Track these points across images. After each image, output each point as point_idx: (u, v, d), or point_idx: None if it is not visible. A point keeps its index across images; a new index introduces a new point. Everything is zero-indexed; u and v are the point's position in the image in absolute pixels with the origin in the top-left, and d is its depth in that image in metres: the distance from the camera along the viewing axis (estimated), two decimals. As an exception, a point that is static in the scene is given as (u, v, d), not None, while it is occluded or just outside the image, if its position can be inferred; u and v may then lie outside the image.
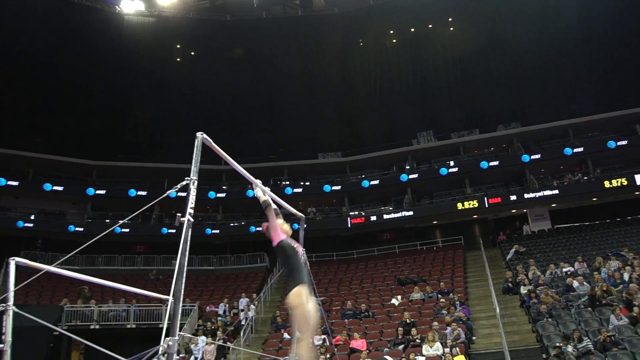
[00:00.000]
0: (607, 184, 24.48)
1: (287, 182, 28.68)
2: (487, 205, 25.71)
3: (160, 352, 3.45)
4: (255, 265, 26.10)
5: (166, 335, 3.56)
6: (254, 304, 18.56)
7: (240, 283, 23.63)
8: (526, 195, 25.65)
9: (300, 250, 4.96)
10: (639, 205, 25.31)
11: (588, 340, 12.15)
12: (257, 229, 27.06)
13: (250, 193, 26.91)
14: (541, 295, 15.54)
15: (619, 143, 25.81)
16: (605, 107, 27.21)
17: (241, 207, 27.88)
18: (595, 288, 14.73)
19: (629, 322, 12.97)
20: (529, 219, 27.26)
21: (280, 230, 4.92)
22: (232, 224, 27.68)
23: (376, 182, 28.06)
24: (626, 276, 15.86)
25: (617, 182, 24.45)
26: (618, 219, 25.17)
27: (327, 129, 31.19)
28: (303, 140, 30.82)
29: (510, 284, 18.05)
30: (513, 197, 25.72)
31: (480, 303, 18.01)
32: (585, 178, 26.09)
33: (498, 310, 15.32)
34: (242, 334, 16.45)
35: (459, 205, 25.95)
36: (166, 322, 3.57)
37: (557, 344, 11.70)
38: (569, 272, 17.50)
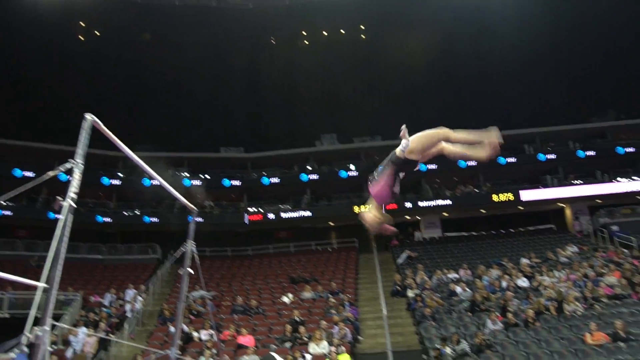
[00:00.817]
0: (495, 197, 26.24)
1: (187, 174, 28.00)
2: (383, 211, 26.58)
3: (23, 342, 3.24)
4: (146, 257, 25.24)
5: (35, 325, 3.35)
6: (141, 296, 17.89)
7: (130, 274, 22.73)
8: (420, 204, 26.84)
9: None
10: (521, 219, 27.39)
11: (465, 343, 12.91)
12: (152, 219, 26.18)
13: (146, 182, 25.95)
14: (426, 299, 16.28)
15: (508, 160, 27.74)
16: (500, 126, 28.99)
17: (137, 196, 26.82)
18: (476, 294, 15.68)
19: (503, 327, 13.93)
20: (422, 226, 28.54)
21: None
22: (125, 213, 26.55)
23: (277, 180, 28.11)
24: (504, 284, 17.03)
25: (505, 196, 26.33)
26: (502, 231, 27.07)
27: (232, 123, 30.84)
28: (205, 132, 30.25)
29: (398, 287, 18.79)
30: (408, 205, 26.81)
31: (368, 304, 18.57)
32: (477, 191, 27.79)
33: (385, 312, 15.89)
34: (126, 326, 15.81)
35: (356, 208, 26.63)
36: (35, 310, 3.36)
37: (437, 346, 12.32)
38: (454, 279, 18.49)
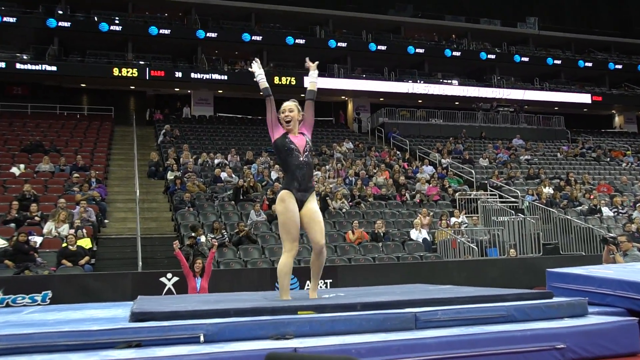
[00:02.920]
0: (276, 79, 26.92)
1: None
2: (148, 77, 25.56)
3: None
4: None
5: None
6: None
7: None
8: (193, 75, 26.42)
9: (302, 147, 4.95)
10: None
11: (225, 232, 13.56)
12: None
13: None
14: (187, 183, 16.50)
15: (297, 41, 28.45)
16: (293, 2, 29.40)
17: None
18: (242, 182, 16.37)
19: (266, 218, 14.91)
20: (192, 101, 28.31)
21: (275, 126, 4.95)
22: None
23: (12, 19, 24.79)
24: (274, 174, 18.04)
25: (286, 80, 27.14)
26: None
27: None
28: None
29: (156, 168, 18.67)
30: (179, 74, 26.18)
31: (120, 184, 18.29)
32: (257, 69, 28.17)
33: (138, 194, 15.78)
34: None
35: (116, 71, 25.15)
36: None
37: (192, 234, 12.72)
38: (221, 164, 18.97)
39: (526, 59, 32.65)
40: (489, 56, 31.96)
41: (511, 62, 32.35)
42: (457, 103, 30.76)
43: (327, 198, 16.24)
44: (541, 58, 33.16)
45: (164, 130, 22.28)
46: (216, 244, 9.52)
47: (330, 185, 17.37)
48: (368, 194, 17.58)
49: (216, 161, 19.48)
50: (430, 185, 18.98)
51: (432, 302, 4.39)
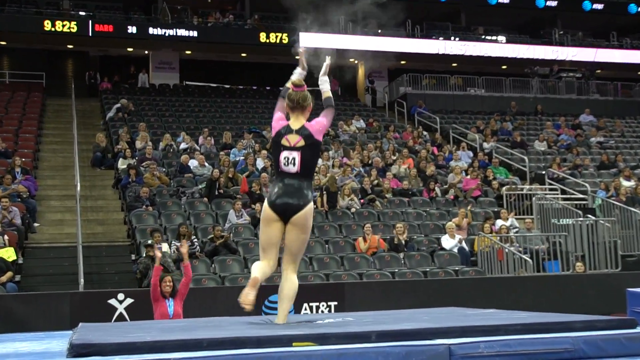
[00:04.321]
0: (263, 36, 26.89)
1: None
2: (91, 34, 25.44)
3: None
4: None
5: None
6: None
7: None
8: (152, 31, 26.34)
9: (291, 142, 5.54)
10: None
11: (195, 239, 13.55)
12: None
13: None
14: (145, 175, 16.50)
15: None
16: None
17: None
18: (218, 173, 16.34)
19: (250, 221, 14.90)
20: (151, 65, 28.25)
21: (276, 123, 5.71)
22: None
23: None
24: (261, 163, 18.02)
25: (277, 37, 27.07)
26: (268, 88, 28.19)
27: None
28: None
29: (103, 154, 18.66)
30: (132, 30, 26.09)
31: (55, 176, 18.33)
32: (239, 23, 28.10)
33: (79, 189, 15.76)
34: None
35: (48, 25, 24.98)
36: None
37: (151, 242, 12.69)
38: (189, 149, 18.95)
39: (599, 6, 32.17)
40: (549, 3, 31.71)
41: (578, 12, 31.83)
42: (504, 67, 30.73)
43: (336, 193, 16.25)
44: (620, 4, 32.63)
45: (118, 105, 22.26)
46: (184, 252, 9.41)
47: (335, 177, 17.37)
48: (385, 189, 17.57)
49: (183, 145, 19.46)
50: (469, 176, 18.97)
51: (472, 331, 4.37)
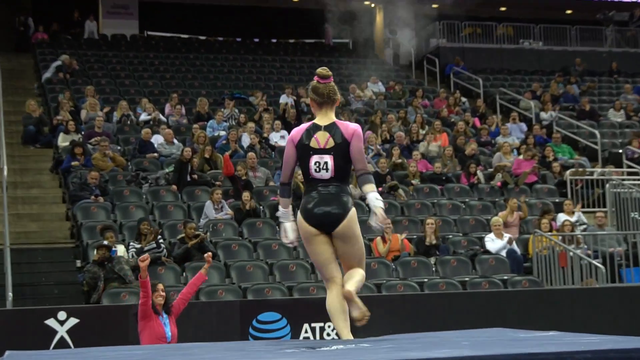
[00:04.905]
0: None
1: None
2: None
3: None
4: None
5: None
6: None
7: None
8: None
9: (321, 143, 5.93)
10: (294, 22, 28.69)
11: (161, 240, 13.52)
12: None
13: None
14: (94, 156, 16.47)
15: None
16: None
17: None
18: (190, 151, 16.29)
19: (233, 215, 14.90)
20: (101, 10, 28.16)
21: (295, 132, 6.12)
22: None
23: None
24: (247, 139, 17.97)
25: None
26: (256, 40, 28.12)
27: None
28: None
29: (38, 127, 18.62)
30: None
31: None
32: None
33: (6, 173, 15.70)
34: None
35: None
36: None
37: (104, 242, 12.67)
38: (154, 121, 18.92)
39: None
40: None
41: None
42: (568, 12, 30.61)
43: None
44: None
45: (57, 63, 22.20)
46: (143, 267, 9.29)
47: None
48: (411, 173, 17.58)
49: (144, 116, 19.46)
50: (521, 157, 18.94)
51: (527, 360, 4.34)
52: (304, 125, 6.07)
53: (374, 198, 6.01)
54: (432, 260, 14.32)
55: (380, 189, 16.82)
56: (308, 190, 6.00)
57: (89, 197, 15.21)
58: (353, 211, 5.93)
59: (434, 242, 14.57)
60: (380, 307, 11.78)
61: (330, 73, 6.14)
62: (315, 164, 5.90)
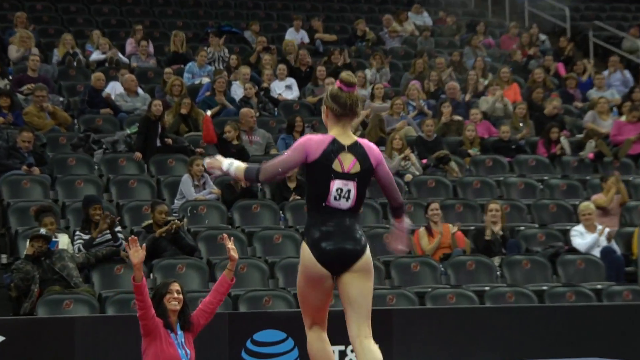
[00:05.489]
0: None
1: None
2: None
3: None
4: None
5: None
6: None
7: None
8: None
9: (345, 167, 6.29)
10: None
11: (118, 229, 13.60)
12: None
13: None
14: (27, 109, 16.63)
15: None
16: None
17: None
18: (160, 106, 16.36)
19: (219, 195, 14.99)
20: None
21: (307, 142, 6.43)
22: None
23: None
24: (238, 89, 18.06)
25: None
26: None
27: None
28: None
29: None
30: None
31: None
32: None
33: None
34: None
35: None
36: None
37: (41, 232, 12.73)
38: (109, 61, 19.02)
39: None
40: None
41: None
42: None
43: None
44: None
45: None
46: (136, 261, 9.17)
47: (381, 116, 17.35)
48: (468, 139, 17.58)
49: (96, 55, 19.53)
50: (623, 118, 18.92)
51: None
52: (323, 138, 6.33)
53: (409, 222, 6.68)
54: (496, 260, 14.33)
55: (424, 160, 16.88)
56: (320, 220, 6.30)
57: (19, 167, 15.26)
58: (368, 247, 6.25)
59: (498, 235, 14.58)
60: (423, 325, 11.82)
61: (355, 80, 6.44)
62: (337, 190, 6.21)
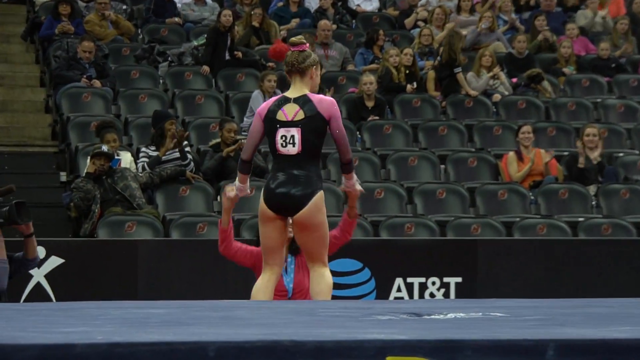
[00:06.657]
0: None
1: None
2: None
3: None
4: None
5: None
6: None
7: None
8: None
9: (289, 115, 7.61)
10: None
11: (187, 146, 13.63)
12: None
13: None
14: (88, 17, 16.63)
15: None
16: None
17: None
18: (230, 16, 16.34)
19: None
20: None
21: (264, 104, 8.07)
22: None
23: None
24: (313, 1, 18.04)
25: None
26: None
27: None
28: None
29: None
30: None
31: None
32: None
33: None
34: None
35: None
36: None
37: (103, 149, 12.80)
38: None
39: None
40: None
41: None
42: None
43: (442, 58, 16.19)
44: None
45: None
46: (230, 199, 9.13)
47: (459, 32, 17.22)
48: (563, 56, 17.39)
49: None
50: None
51: None
52: (273, 99, 7.89)
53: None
54: (592, 189, 14.25)
55: (514, 79, 16.76)
56: (274, 168, 7.78)
57: (79, 78, 15.30)
58: (319, 196, 7.52)
59: (595, 162, 14.47)
60: (512, 258, 11.78)
61: (302, 40, 8.15)
62: (281, 137, 7.56)
